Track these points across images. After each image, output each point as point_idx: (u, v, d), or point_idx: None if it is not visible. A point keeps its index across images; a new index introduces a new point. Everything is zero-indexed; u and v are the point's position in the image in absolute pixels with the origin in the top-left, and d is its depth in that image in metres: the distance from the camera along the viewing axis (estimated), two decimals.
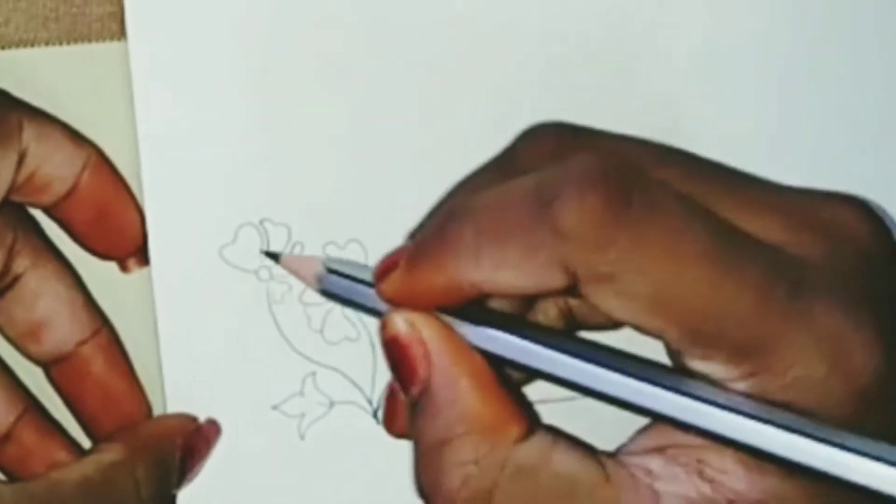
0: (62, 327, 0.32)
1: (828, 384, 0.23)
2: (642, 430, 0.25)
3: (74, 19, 0.33)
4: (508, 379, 0.26)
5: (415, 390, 0.25)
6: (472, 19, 0.33)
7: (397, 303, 0.26)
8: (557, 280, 0.24)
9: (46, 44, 0.33)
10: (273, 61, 0.32)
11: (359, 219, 0.32)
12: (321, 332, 0.32)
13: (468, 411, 0.25)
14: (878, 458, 0.23)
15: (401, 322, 0.26)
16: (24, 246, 0.31)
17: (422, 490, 0.26)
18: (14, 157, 0.30)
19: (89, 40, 0.33)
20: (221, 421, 0.32)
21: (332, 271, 0.28)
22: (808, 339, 0.23)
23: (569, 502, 0.25)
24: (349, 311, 0.32)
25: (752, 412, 0.23)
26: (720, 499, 0.24)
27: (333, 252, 0.33)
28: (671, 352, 0.25)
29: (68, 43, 0.33)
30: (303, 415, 0.33)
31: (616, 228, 0.23)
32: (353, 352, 0.33)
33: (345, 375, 0.33)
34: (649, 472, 0.24)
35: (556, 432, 0.26)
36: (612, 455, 0.25)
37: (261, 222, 0.33)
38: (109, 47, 0.32)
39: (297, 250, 0.33)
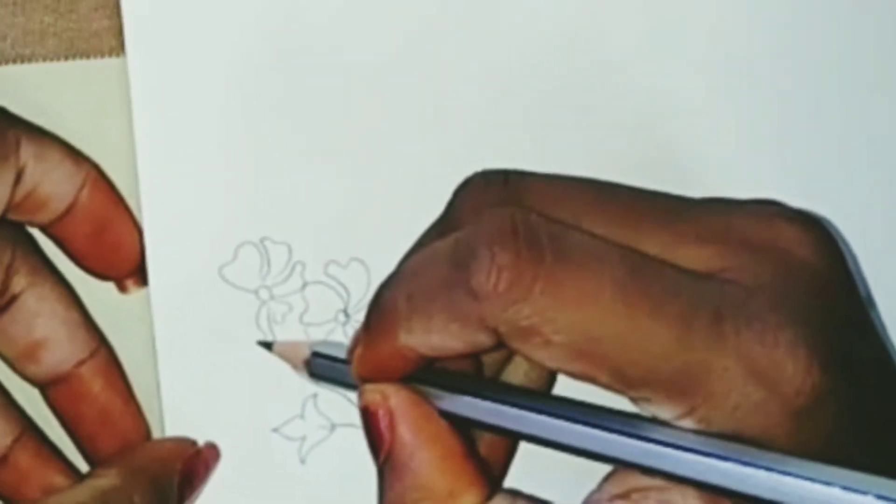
0: (60, 347, 0.33)
1: (765, 409, 0.24)
2: (608, 477, 0.26)
3: (73, 35, 0.33)
4: (474, 446, 0.28)
5: (380, 457, 0.27)
6: (478, 43, 0.34)
7: (366, 377, 0.28)
8: (484, 339, 0.25)
9: (44, 59, 0.33)
10: (273, 79, 0.33)
11: (361, 237, 0.33)
12: None
13: (424, 480, 0.26)
14: (823, 482, 0.23)
15: (372, 392, 0.27)
16: (23, 265, 0.32)
17: None
18: (12, 175, 0.31)
19: (88, 56, 0.33)
20: (220, 444, 0.33)
21: (317, 355, 0.30)
22: (738, 367, 0.24)
23: None
24: (351, 333, 0.33)
25: (700, 450, 0.24)
26: None
27: (335, 271, 0.34)
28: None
29: (66, 58, 0.33)
30: (304, 438, 0.34)
31: (530, 283, 0.24)
32: None
33: (346, 398, 0.33)
34: None
35: (515, 494, 0.27)
36: None
37: (261, 241, 0.33)
38: (108, 63, 0.33)
39: (297, 269, 0.34)
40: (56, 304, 0.33)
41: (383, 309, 0.27)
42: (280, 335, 0.33)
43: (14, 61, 0.33)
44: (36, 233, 0.33)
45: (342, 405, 0.33)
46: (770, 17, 0.34)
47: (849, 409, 0.25)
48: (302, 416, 0.33)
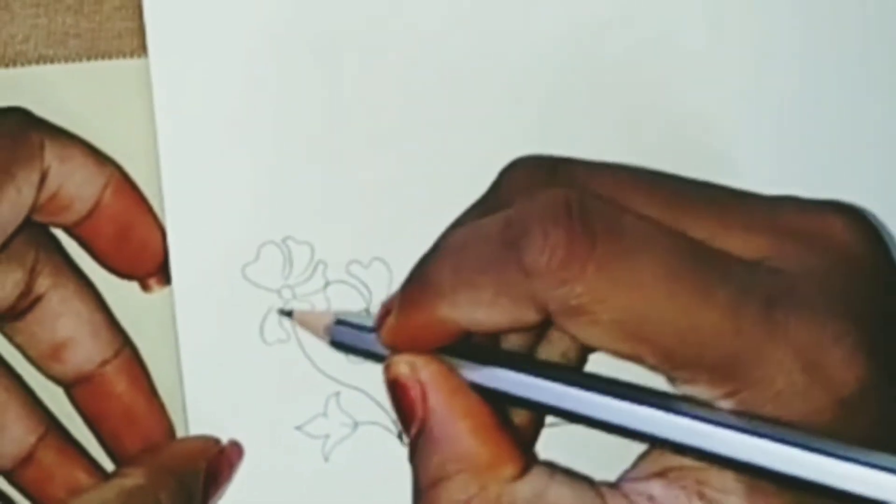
0: (84, 347, 0.33)
1: (810, 395, 0.24)
2: (644, 455, 0.27)
3: (94, 36, 0.34)
4: (508, 419, 0.28)
5: (413, 430, 0.27)
6: (496, 43, 0.34)
7: (396, 347, 0.28)
8: (531, 316, 0.25)
9: (66, 61, 0.34)
10: (296, 79, 0.33)
11: (383, 237, 0.34)
12: None
13: (462, 450, 0.27)
14: (865, 464, 0.24)
15: (401, 364, 0.27)
16: (46, 265, 0.33)
17: None
18: (36, 177, 0.31)
19: (110, 57, 0.34)
20: (243, 442, 0.34)
21: (339, 322, 0.30)
22: (786, 353, 0.25)
23: None
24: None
25: (742, 427, 0.24)
26: None
27: (357, 271, 0.34)
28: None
29: (88, 60, 0.34)
30: (327, 436, 0.34)
31: (582, 262, 0.25)
32: (377, 372, 0.33)
33: (369, 396, 0.34)
34: (651, 498, 0.26)
35: (553, 467, 0.27)
36: (612, 485, 0.27)
37: (283, 240, 0.34)
38: (130, 64, 0.34)
39: (319, 269, 0.34)
40: (80, 304, 0.33)
41: (427, 280, 0.27)
42: (303, 334, 0.34)
43: (37, 62, 0.34)
44: (60, 233, 0.34)
45: (365, 403, 0.34)
46: (795, 16, 0.34)
47: (893, 400, 0.25)
48: (325, 415, 0.34)
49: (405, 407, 0.27)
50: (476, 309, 0.26)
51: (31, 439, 0.33)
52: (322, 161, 0.34)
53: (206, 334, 0.34)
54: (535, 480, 0.27)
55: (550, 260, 0.25)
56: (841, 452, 0.24)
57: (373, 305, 0.34)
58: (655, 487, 0.26)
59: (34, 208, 0.32)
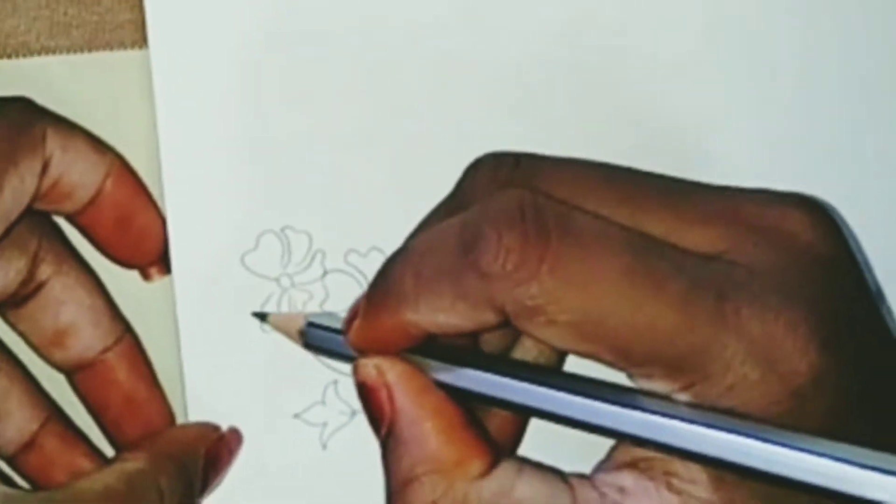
0: (86, 334, 0.33)
1: (764, 386, 0.25)
2: (615, 446, 0.27)
3: (96, 27, 0.34)
4: (476, 417, 0.28)
5: (382, 431, 0.28)
6: (490, 35, 0.34)
7: (363, 349, 0.28)
8: (490, 318, 0.26)
9: (68, 52, 0.34)
10: (295, 69, 0.34)
11: (380, 227, 0.34)
12: None
13: (429, 451, 0.27)
14: (818, 454, 0.24)
15: (368, 366, 0.28)
16: (48, 253, 0.33)
17: None
18: (38, 166, 0.32)
19: (111, 48, 0.34)
20: (242, 429, 0.34)
21: (312, 325, 0.30)
22: (739, 345, 0.25)
23: None
24: None
25: (696, 420, 0.25)
26: None
27: (355, 260, 0.34)
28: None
29: (90, 51, 0.34)
30: (325, 424, 0.34)
31: (536, 263, 0.25)
32: None
33: None
34: (621, 490, 0.26)
35: (522, 462, 0.27)
36: (584, 477, 0.27)
37: (282, 230, 0.34)
38: (131, 55, 0.34)
39: (318, 258, 0.34)
40: (81, 292, 0.34)
41: (390, 285, 0.27)
42: None
43: (39, 53, 0.34)
44: (62, 222, 0.34)
45: None
46: (795, 16, 0.35)
47: (849, 390, 0.25)
48: (323, 402, 0.34)
49: (374, 409, 0.28)
50: (436, 314, 0.26)
51: (34, 426, 0.33)
52: (320, 151, 0.34)
53: (205, 323, 0.34)
54: (502, 476, 0.27)
55: (505, 262, 0.25)
56: (794, 443, 0.24)
57: None
58: (626, 479, 0.26)
59: (36, 196, 0.32)
